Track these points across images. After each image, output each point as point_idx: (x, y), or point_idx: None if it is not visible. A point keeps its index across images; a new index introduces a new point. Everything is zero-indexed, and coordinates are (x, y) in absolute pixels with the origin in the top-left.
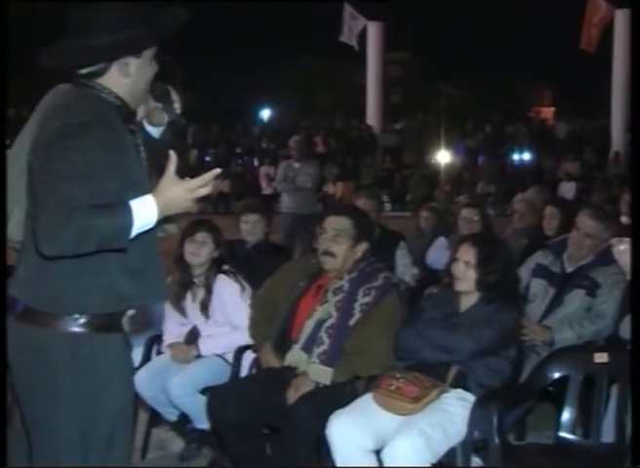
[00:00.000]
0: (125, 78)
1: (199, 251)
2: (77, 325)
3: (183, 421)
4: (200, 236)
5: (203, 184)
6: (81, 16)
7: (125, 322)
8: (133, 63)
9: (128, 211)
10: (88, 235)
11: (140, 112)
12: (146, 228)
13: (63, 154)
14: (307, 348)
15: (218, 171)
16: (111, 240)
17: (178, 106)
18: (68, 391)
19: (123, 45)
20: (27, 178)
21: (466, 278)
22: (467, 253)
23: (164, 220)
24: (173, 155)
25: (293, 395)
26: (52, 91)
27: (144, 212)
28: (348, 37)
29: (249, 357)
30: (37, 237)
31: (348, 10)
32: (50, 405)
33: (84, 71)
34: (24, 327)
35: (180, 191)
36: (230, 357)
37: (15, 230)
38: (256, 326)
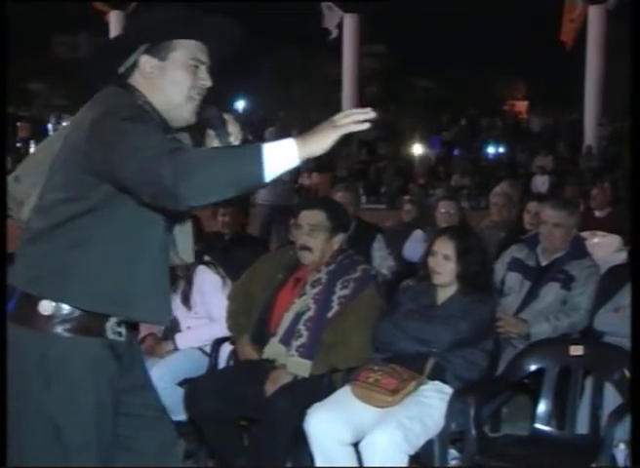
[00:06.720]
0: (146, 80)
1: None
2: (50, 324)
3: None
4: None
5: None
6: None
7: (109, 328)
8: (156, 66)
9: (258, 147)
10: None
11: None
12: (290, 166)
13: (120, 124)
14: (286, 341)
15: (368, 110)
16: (242, 177)
17: (234, 140)
18: (34, 391)
19: (144, 29)
20: (52, 162)
21: (446, 271)
22: (446, 246)
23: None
24: None
25: (271, 387)
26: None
27: (279, 150)
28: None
29: (226, 349)
30: (162, 199)
31: (326, 2)
32: (16, 402)
33: (120, 70)
34: (9, 325)
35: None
36: (209, 348)
37: (28, 214)
38: (233, 318)
